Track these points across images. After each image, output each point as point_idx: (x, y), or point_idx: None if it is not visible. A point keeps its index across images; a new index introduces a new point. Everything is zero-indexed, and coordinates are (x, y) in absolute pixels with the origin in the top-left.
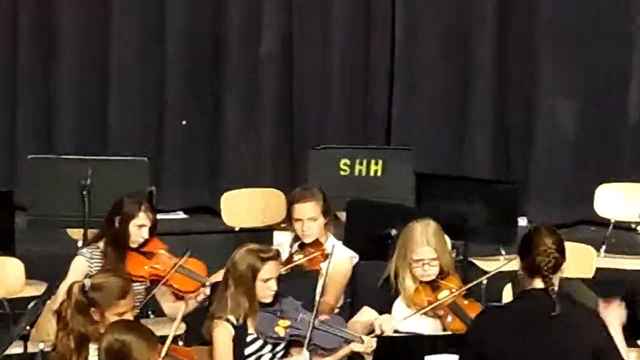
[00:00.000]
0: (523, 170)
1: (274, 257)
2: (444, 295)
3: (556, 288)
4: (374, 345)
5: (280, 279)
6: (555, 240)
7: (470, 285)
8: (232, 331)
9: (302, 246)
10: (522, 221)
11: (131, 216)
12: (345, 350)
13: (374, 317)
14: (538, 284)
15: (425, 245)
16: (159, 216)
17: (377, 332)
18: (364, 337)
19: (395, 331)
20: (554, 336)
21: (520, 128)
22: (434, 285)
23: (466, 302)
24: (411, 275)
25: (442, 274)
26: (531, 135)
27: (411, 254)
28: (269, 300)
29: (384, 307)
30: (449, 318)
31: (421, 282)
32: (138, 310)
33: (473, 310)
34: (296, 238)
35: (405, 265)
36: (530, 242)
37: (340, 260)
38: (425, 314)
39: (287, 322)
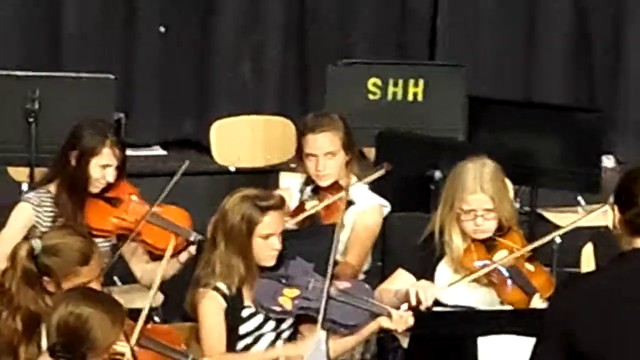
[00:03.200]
0: (610, 95)
1: (277, 206)
2: (501, 257)
3: None
4: (410, 321)
5: (286, 235)
6: None
7: (536, 244)
8: (223, 303)
9: (317, 191)
10: (608, 161)
11: (93, 152)
12: (371, 328)
13: (409, 283)
14: None
15: (479, 192)
16: (130, 152)
17: (413, 302)
18: (396, 311)
19: (438, 304)
20: None
21: (607, 39)
22: (489, 245)
23: (531, 267)
24: (460, 231)
25: (501, 230)
26: (621, 48)
27: (461, 203)
28: (271, 262)
29: (425, 272)
30: (508, 287)
31: (473, 240)
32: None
33: (538, 277)
34: (308, 181)
35: (453, 217)
36: (634, 188)
37: (366, 210)
38: (477, 281)
39: (295, 292)
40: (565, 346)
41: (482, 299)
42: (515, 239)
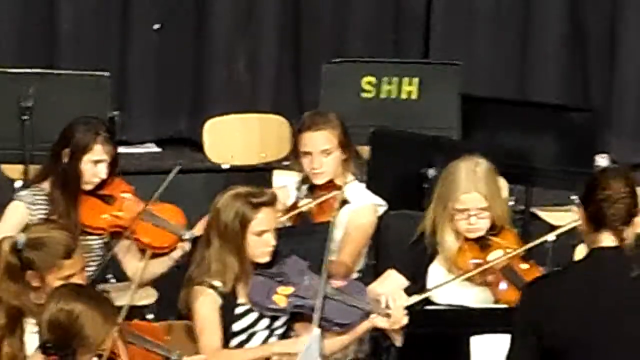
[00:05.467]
0: (604, 94)
1: (270, 203)
2: (495, 256)
3: (631, 243)
4: (404, 320)
5: (281, 233)
6: (626, 184)
7: (531, 244)
8: (219, 300)
9: (312, 190)
10: (603, 161)
11: (84, 149)
12: (365, 326)
13: (399, 284)
14: (607, 240)
15: (472, 191)
16: (124, 149)
17: (382, 307)
18: (390, 310)
19: (431, 303)
20: (634, 304)
21: (601, 38)
22: (483, 244)
23: (525, 266)
24: (453, 230)
25: (495, 229)
26: (615, 47)
27: (454, 202)
28: (265, 259)
29: (416, 272)
30: (502, 286)
31: (466, 239)
32: (94, 274)
33: (533, 276)
34: (305, 180)
35: (446, 216)
36: (593, 186)
37: (361, 209)
38: (471, 280)
39: (290, 289)
40: (537, 342)
41: (476, 298)
42: (509, 238)
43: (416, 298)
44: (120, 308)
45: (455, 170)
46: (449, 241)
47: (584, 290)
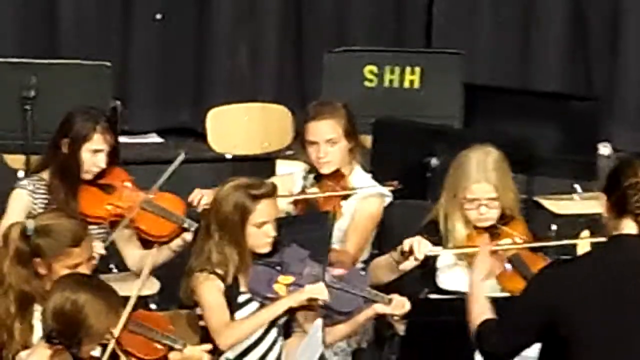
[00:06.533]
0: (607, 83)
1: (270, 194)
2: (504, 244)
3: None
4: (406, 306)
5: (283, 221)
6: None
7: (544, 244)
8: (222, 285)
9: (319, 179)
10: (604, 149)
11: (83, 138)
12: (367, 314)
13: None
14: (629, 227)
15: (482, 181)
16: (127, 139)
17: (406, 248)
18: (394, 297)
19: (438, 289)
20: None
21: (604, 27)
22: (492, 232)
23: (533, 255)
24: (463, 219)
25: (504, 219)
26: (618, 37)
27: (464, 192)
28: (265, 249)
29: (426, 261)
30: (509, 275)
31: (476, 227)
32: (96, 261)
33: (538, 265)
34: (311, 169)
35: (456, 205)
36: (618, 173)
37: (367, 199)
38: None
39: (290, 279)
40: (543, 330)
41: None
42: (518, 227)
43: (439, 249)
44: (125, 298)
45: (466, 160)
46: (458, 229)
47: (603, 276)
